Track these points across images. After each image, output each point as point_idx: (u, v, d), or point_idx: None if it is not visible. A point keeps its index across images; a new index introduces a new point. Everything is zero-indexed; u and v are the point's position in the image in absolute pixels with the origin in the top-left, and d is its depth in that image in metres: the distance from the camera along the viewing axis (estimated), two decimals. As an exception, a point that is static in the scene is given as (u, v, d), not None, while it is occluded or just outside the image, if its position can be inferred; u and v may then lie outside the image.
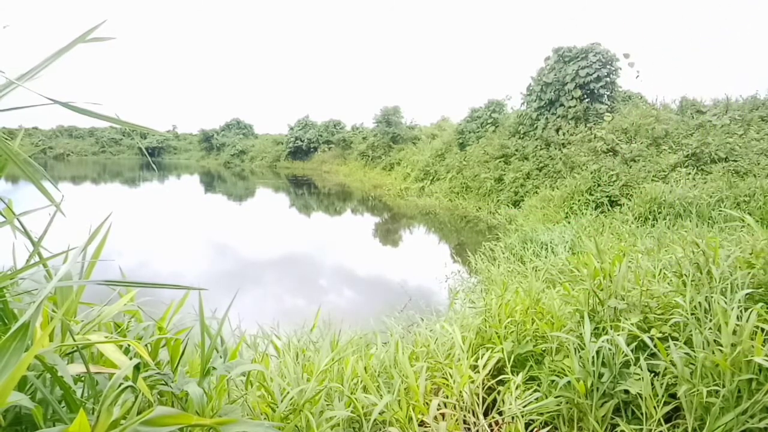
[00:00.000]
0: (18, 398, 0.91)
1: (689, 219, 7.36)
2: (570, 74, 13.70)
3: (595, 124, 13.03)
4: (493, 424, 2.22)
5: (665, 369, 2.02)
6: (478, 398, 2.24)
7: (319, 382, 1.98)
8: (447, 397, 2.25)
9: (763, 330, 1.89)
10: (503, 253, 7.46)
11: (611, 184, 9.90)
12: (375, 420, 2.00)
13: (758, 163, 8.90)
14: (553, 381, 2.20)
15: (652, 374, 2.02)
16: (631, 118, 11.91)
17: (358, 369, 2.28)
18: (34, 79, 0.98)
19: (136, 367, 1.19)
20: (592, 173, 10.47)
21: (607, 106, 13.66)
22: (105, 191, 23.62)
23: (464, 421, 2.19)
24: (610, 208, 9.55)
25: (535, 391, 2.26)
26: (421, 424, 2.11)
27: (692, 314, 2.21)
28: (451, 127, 23.32)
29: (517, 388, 2.17)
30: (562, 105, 14.03)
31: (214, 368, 1.45)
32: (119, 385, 1.03)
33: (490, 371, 2.38)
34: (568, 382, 2.07)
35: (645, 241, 6.15)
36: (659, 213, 7.97)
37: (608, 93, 13.95)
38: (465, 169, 16.89)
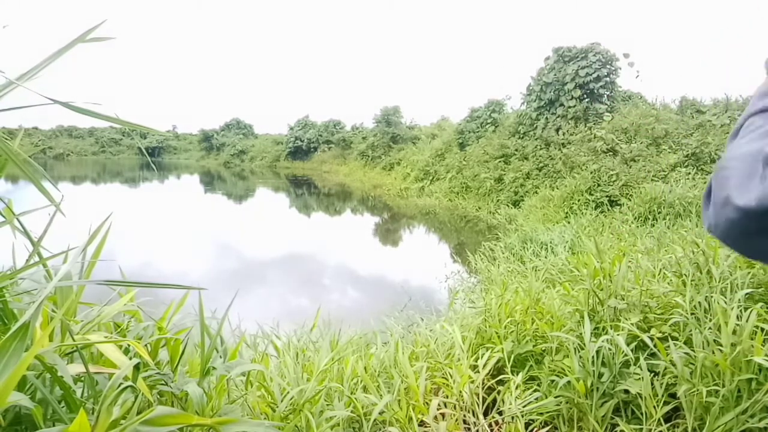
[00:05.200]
0: (18, 398, 0.91)
1: (689, 219, 7.36)
2: (570, 74, 13.69)
3: (595, 123, 13.02)
4: (493, 424, 2.22)
5: (665, 369, 2.02)
6: (478, 398, 2.24)
7: (319, 382, 1.98)
8: (447, 397, 2.25)
9: (763, 330, 1.89)
10: (503, 253, 7.46)
11: (611, 183, 9.89)
12: (375, 420, 2.00)
13: (758, 163, 8.89)
14: (553, 381, 2.20)
15: (652, 374, 2.02)
16: (631, 118, 11.90)
17: (358, 369, 2.28)
18: (34, 79, 0.98)
19: (136, 367, 1.19)
20: (592, 173, 10.47)
21: (607, 106, 13.65)
22: (105, 191, 23.60)
23: (464, 421, 2.19)
24: (610, 208, 9.55)
25: (535, 390, 2.26)
26: (421, 424, 2.11)
27: (692, 314, 2.21)
28: (451, 127, 23.29)
29: (517, 388, 2.17)
30: (561, 105, 14.02)
31: (214, 368, 1.45)
32: (119, 385, 1.03)
33: (490, 371, 2.38)
34: (568, 381, 2.07)
35: (645, 240, 6.14)
36: (659, 213, 7.96)
37: (608, 93, 13.93)
38: (465, 169, 16.88)
